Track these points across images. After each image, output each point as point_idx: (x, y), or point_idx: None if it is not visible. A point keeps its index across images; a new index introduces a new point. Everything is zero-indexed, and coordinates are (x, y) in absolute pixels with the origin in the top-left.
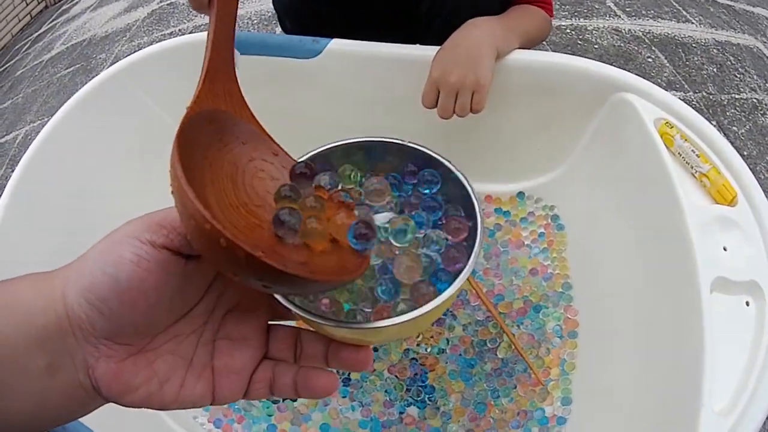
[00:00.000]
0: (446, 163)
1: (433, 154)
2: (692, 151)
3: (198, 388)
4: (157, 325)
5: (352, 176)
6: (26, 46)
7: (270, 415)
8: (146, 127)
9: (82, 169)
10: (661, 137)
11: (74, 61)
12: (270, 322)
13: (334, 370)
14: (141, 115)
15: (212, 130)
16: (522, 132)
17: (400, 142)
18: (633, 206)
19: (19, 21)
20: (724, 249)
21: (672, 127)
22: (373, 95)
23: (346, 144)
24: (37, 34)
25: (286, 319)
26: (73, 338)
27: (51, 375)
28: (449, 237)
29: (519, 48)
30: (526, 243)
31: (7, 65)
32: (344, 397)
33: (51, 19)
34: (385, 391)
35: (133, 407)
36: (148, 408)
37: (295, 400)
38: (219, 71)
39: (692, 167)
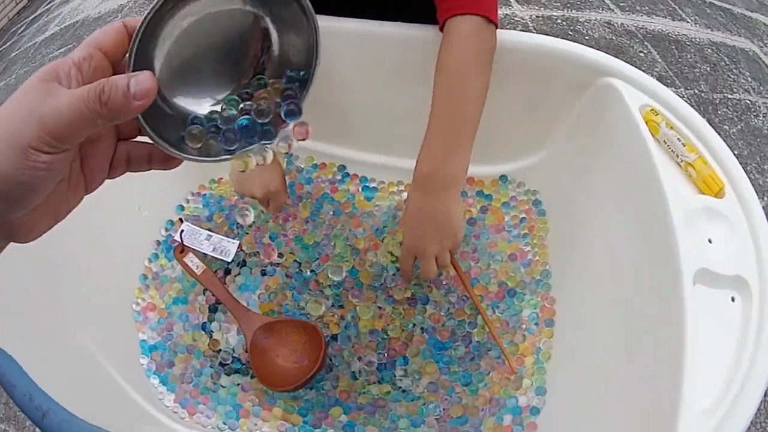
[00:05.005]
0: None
1: None
2: (678, 139)
3: (78, 196)
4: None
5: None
6: (22, 29)
7: (234, 395)
8: None
9: None
10: (647, 124)
11: (66, 42)
12: None
13: None
14: None
15: None
16: (506, 114)
17: None
18: (615, 193)
19: (17, 4)
20: (709, 241)
21: (657, 114)
22: (362, 73)
23: None
24: (33, 16)
25: None
26: None
27: None
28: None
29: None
30: (506, 228)
31: (2, 48)
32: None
33: (47, 2)
34: (353, 373)
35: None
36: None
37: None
38: None
39: (678, 156)
